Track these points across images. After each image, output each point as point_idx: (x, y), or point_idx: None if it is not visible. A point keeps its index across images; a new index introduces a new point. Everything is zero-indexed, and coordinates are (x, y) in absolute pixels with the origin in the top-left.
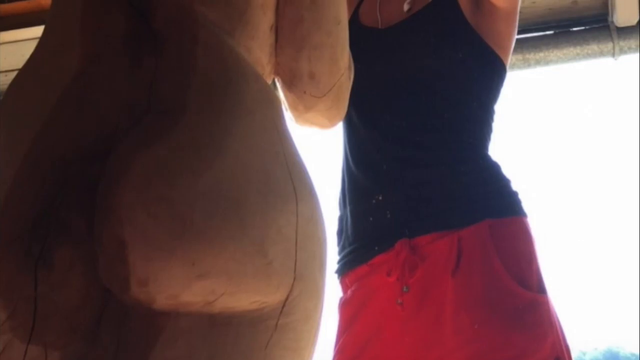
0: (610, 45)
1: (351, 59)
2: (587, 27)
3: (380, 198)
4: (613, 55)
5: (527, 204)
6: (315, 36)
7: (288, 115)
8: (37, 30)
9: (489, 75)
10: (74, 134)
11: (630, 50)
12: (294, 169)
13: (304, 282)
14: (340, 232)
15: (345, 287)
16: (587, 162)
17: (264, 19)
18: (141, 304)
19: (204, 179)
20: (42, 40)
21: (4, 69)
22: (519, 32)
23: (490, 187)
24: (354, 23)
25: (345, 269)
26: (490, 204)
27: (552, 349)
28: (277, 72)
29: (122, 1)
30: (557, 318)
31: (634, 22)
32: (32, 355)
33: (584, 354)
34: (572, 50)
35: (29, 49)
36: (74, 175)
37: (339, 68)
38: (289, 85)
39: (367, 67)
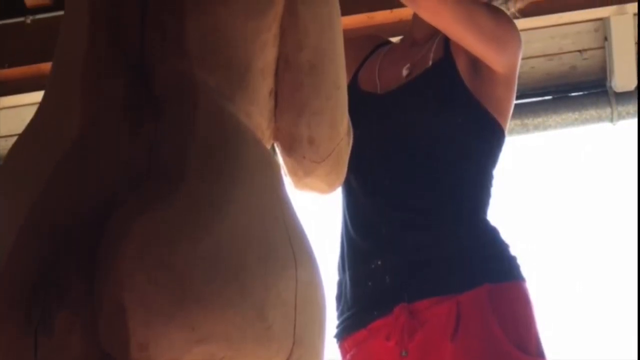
0: (608, 110)
1: (350, 124)
2: (585, 93)
3: (380, 263)
4: (611, 120)
5: (526, 268)
6: (315, 101)
7: (287, 180)
8: (37, 96)
9: (487, 140)
10: (74, 199)
11: (628, 115)
12: (294, 233)
13: (304, 346)
14: (339, 297)
15: (344, 351)
16: (586, 227)
17: (263, 84)
18: None
19: (203, 244)
20: (42, 105)
21: (4, 134)
22: (518, 97)
23: (488, 251)
24: (353, 88)
25: (344, 334)
26: (489, 268)
27: None
28: (276, 137)
29: (122, 66)
30: None
31: (632, 87)
32: None
33: None
34: (570, 116)
35: (29, 114)
36: (74, 239)
37: (339, 133)
38: (288, 151)
39: (366, 132)
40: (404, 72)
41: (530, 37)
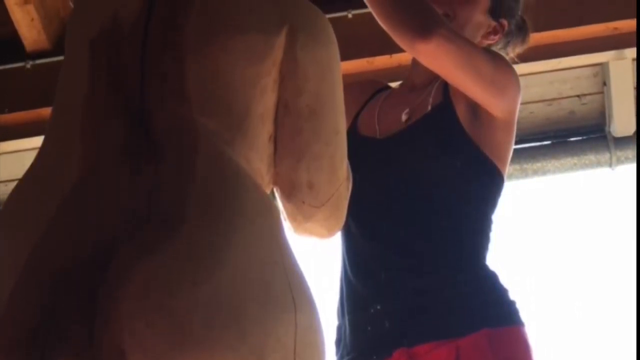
0: (607, 155)
1: (349, 169)
2: (584, 137)
3: (379, 307)
4: (610, 165)
5: (526, 312)
6: (315, 146)
7: (287, 225)
8: (38, 140)
9: (486, 185)
10: (74, 243)
11: (627, 160)
12: (293, 278)
13: None
14: (338, 341)
15: None
16: (586, 273)
17: (263, 129)
18: None
19: (203, 288)
20: (43, 150)
21: (4, 179)
22: (517, 142)
23: (488, 296)
24: (353, 133)
25: None
26: (488, 313)
27: None
28: (275, 182)
29: (122, 111)
30: None
31: (631, 132)
32: None
33: None
34: (569, 161)
35: (29, 158)
36: (74, 284)
37: (338, 178)
38: (287, 195)
39: (366, 177)
40: (403, 116)
41: (529, 82)
